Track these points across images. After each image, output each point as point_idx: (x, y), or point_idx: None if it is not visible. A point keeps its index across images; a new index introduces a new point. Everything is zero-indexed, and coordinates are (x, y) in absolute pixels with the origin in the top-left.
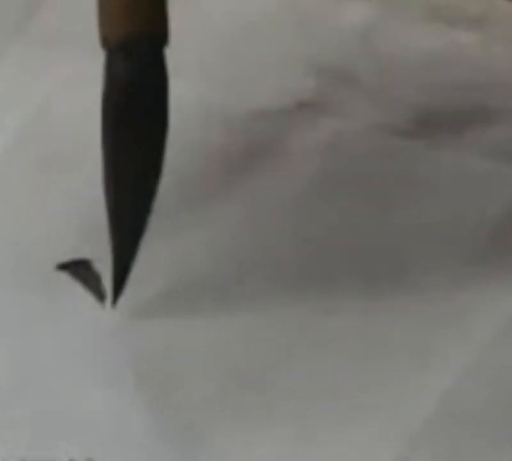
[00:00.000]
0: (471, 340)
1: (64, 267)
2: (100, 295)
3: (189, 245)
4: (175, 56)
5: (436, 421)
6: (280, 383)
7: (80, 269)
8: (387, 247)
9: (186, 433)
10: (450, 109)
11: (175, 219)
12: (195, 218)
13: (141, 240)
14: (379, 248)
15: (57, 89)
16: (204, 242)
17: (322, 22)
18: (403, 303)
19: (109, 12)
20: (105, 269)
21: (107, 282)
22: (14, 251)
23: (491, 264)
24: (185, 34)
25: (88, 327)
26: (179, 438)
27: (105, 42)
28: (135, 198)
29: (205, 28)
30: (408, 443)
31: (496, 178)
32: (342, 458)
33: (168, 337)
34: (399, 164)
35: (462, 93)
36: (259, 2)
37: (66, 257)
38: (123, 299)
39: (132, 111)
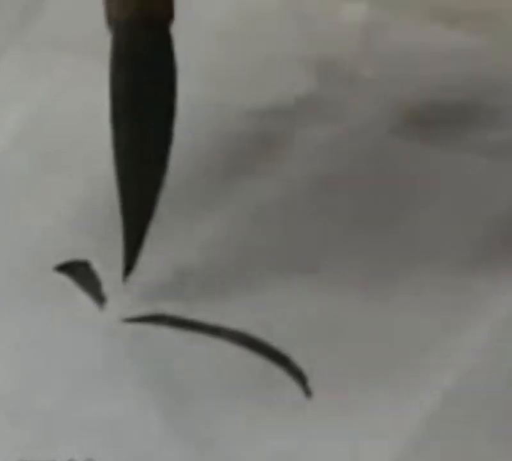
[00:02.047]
0: (471, 339)
1: (62, 268)
2: (98, 297)
3: (188, 245)
4: None
5: (435, 420)
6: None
7: (78, 271)
8: (386, 246)
9: (187, 434)
10: (451, 109)
11: (173, 219)
12: (194, 218)
13: (149, 224)
14: (378, 247)
15: (57, 90)
16: (203, 243)
17: (322, 22)
18: (403, 301)
19: None
20: (104, 271)
21: (106, 284)
22: (12, 252)
23: (490, 263)
24: (184, 33)
25: (88, 328)
26: (179, 439)
27: (111, 21)
28: (144, 180)
29: (204, 27)
30: (407, 442)
31: (496, 178)
32: (340, 457)
33: (168, 338)
34: (399, 163)
35: (462, 93)
36: (259, 1)
37: (65, 258)
38: (121, 302)
39: (141, 89)
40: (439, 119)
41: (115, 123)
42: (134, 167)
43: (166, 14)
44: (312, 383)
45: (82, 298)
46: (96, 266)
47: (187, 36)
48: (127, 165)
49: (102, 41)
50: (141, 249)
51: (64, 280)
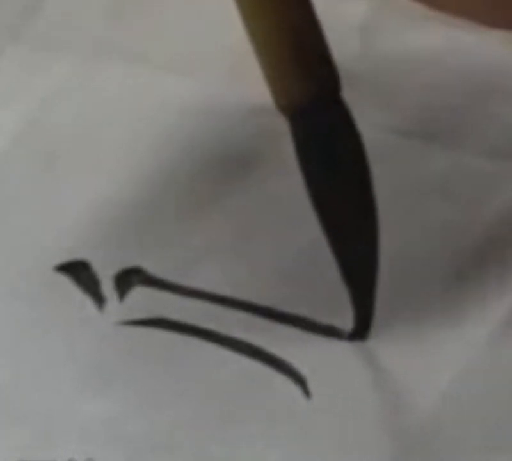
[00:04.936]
0: (471, 339)
1: (62, 268)
2: (98, 298)
3: (189, 245)
4: (172, 53)
5: (434, 421)
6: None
7: (78, 271)
8: (385, 246)
9: (186, 435)
10: (451, 109)
11: (173, 220)
12: (194, 218)
13: (376, 285)
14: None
15: (56, 89)
16: (204, 242)
17: (321, 21)
18: (402, 301)
19: (280, 79)
20: (104, 271)
21: (105, 284)
22: (11, 251)
23: (491, 263)
24: (184, 32)
25: (88, 329)
26: (180, 439)
27: (284, 109)
28: (360, 245)
29: (204, 25)
30: (406, 443)
31: (495, 178)
32: (339, 456)
33: (167, 341)
34: (399, 163)
35: (462, 92)
36: None
37: (65, 258)
38: (120, 303)
39: (333, 168)
40: (439, 119)
41: (315, 198)
42: (348, 241)
43: (334, 84)
44: (311, 384)
45: (82, 298)
46: (96, 266)
47: (186, 35)
48: (341, 241)
49: (102, 40)
50: (373, 315)
51: (64, 279)
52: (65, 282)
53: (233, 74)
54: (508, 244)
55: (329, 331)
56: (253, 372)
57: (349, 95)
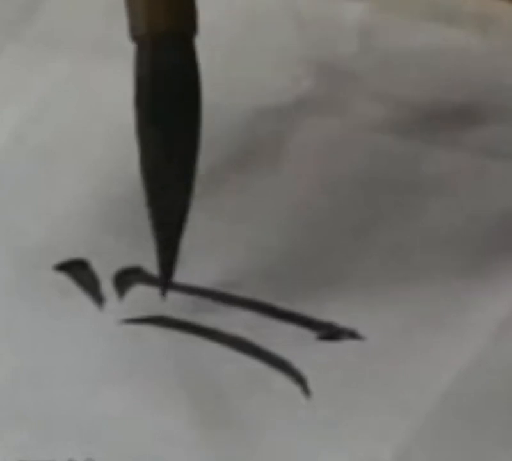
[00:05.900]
0: (471, 339)
1: (61, 267)
2: (97, 297)
3: (188, 244)
4: None
5: (437, 420)
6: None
7: (77, 270)
8: (386, 247)
9: (186, 435)
10: (451, 109)
11: None
12: (193, 219)
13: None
14: (378, 248)
15: (55, 88)
16: (203, 242)
17: (321, 21)
18: (402, 301)
19: (136, 5)
20: (103, 270)
21: (105, 284)
22: (11, 250)
23: (491, 263)
24: None
25: (87, 328)
26: (178, 440)
27: (136, 35)
28: (172, 191)
29: (204, 27)
30: (409, 441)
31: (495, 178)
32: (342, 453)
33: (167, 339)
34: (399, 163)
35: (462, 92)
36: (258, 1)
37: (64, 257)
38: (119, 303)
39: (163, 101)
40: (439, 118)
41: (139, 130)
42: (163, 186)
43: (191, 27)
44: (311, 383)
45: (82, 298)
46: (96, 265)
47: None
48: (155, 179)
49: (101, 39)
50: (175, 264)
51: (64, 279)
52: (65, 282)
53: (232, 79)
54: (508, 243)
55: (330, 330)
56: (253, 371)
57: (348, 94)
